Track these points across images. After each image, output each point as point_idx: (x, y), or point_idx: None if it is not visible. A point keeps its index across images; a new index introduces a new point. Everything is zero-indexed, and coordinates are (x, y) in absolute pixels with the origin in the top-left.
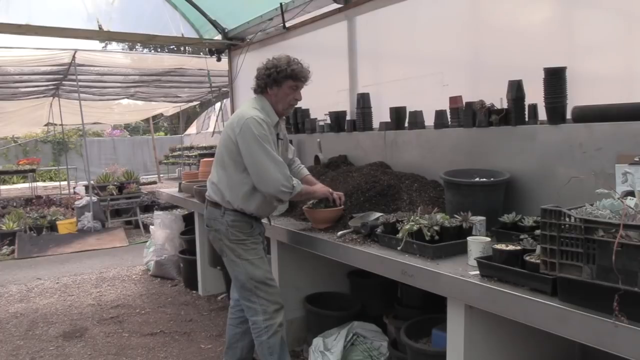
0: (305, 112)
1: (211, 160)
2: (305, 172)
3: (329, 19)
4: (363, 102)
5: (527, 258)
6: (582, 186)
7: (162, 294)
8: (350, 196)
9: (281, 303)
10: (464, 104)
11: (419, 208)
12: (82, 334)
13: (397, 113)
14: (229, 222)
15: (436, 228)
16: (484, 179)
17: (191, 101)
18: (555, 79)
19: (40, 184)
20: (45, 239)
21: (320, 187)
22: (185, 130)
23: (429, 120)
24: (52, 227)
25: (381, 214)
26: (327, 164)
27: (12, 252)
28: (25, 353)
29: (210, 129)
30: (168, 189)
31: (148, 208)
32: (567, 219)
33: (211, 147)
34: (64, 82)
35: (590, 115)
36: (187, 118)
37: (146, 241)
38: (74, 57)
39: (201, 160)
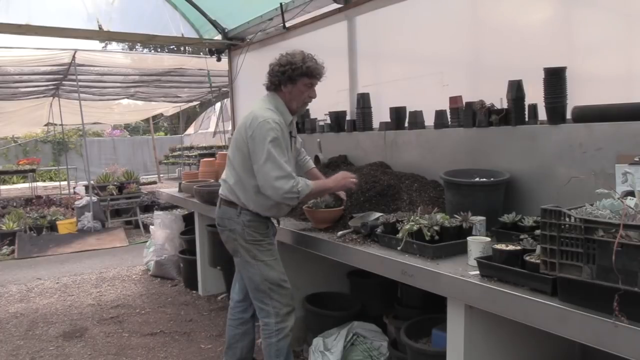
0: (305, 112)
1: (211, 160)
2: (311, 164)
3: (329, 19)
4: (363, 102)
5: (527, 258)
6: (582, 186)
7: (162, 294)
8: (350, 196)
9: (293, 305)
10: (464, 104)
11: (419, 208)
12: (82, 334)
13: (397, 113)
14: (246, 222)
15: (436, 228)
16: (484, 179)
17: (191, 101)
18: (555, 79)
19: (40, 184)
20: (45, 239)
21: (332, 182)
22: (185, 130)
23: (429, 120)
24: (52, 227)
25: (381, 214)
26: (327, 164)
27: (12, 252)
28: (25, 353)
29: (210, 129)
30: (168, 189)
31: (148, 208)
32: (567, 219)
33: (211, 147)
34: (64, 82)
35: (590, 115)
36: (187, 118)
37: (146, 241)
38: (74, 57)
39: (201, 160)
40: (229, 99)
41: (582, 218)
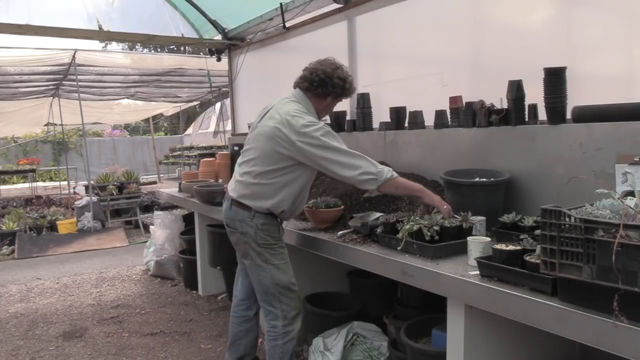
0: None
1: (211, 160)
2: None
3: (329, 19)
4: (363, 102)
5: (527, 258)
6: (582, 186)
7: (162, 294)
8: (350, 196)
9: (299, 308)
10: (464, 104)
11: (419, 208)
12: (82, 334)
13: (397, 113)
14: (259, 225)
15: (436, 228)
16: (484, 179)
17: (191, 101)
18: (555, 79)
19: (40, 184)
20: (45, 239)
21: (423, 190)
22: (185, 130)
23: (429, 120)
24: (52, 227)
25: (381, 214)
26: None
27: (12, 252)
28: (25, 353)
29: (210, 129)
30: (168, 189)
31: (148, 208)
32: (567, 219)
33: (211, 147)
34: (64, 82)
35: (590, 115)
36: (187, 118)
37: (146, 241)
38: (74, 57)
39: (201, 160)
40: (229, 99)
41: (582, 218)
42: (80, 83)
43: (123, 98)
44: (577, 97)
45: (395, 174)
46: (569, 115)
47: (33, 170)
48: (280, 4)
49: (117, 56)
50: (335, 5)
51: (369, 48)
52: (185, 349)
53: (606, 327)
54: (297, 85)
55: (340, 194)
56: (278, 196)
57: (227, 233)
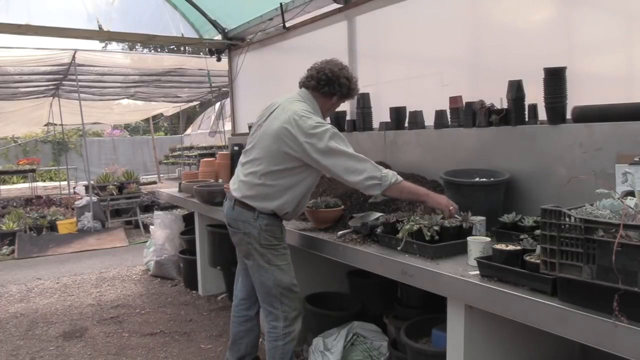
0: None
1: (211, 160)
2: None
3: (329, 19)
4: (363, 102)
5: (527, 258)
6: (582, 186)
7: (162, 294)
8: (350, 196)
9: (300, 308)
10: (464, 104)
11: (419, 208)
12: (82, 334)
13: (397, 113)
14: (263, 226)
15: (436, 228)
16: (484, 179)
17: (191, 101)
18: (555, 79)
19: (40, 184)
20: (45, 239)
21: (429, 193)
22: (185, 130)
23: (429, 120)
24: (52, 227)
25: (381, 214)
26: None
27: (12, 252)
28: (25, 353)
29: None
30: (168, 189)
31: (148, 208)
32: (567, 219)
33: (211, 147)
34: (64, 82)
35: (590, 115)
36: (187, 118)
37: (146, 241)
38: (74, 57)
39: (201, 160)
40: (228, 99)
41: (582, 218)
42: (80, 83)
43: (123, 98)
44: (577, 97)
45: (399, 178)
46: (569, 115)
47: (33, 170)
48: (280, 4)
49: (117, 56)
50: (335, 5)
51: (369, 48)
52: (185, 349)
53: (606, 327)
54: (303, 84)
55: (340, 194)
56: (283, 198)
57: (230, 233)
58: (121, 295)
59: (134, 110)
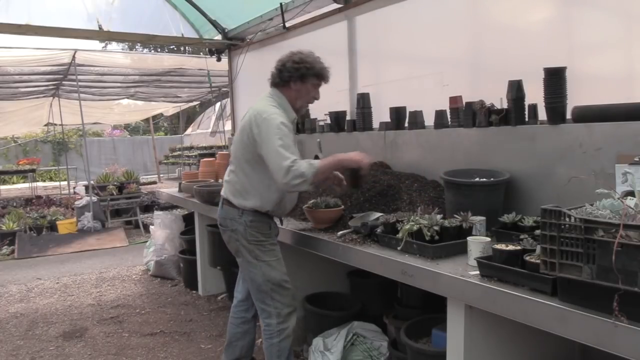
0: (305, 112)
1: (211, 160)
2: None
3: (329, 19)
4: (363, 102)
5: (527, 258)
6: (582, 186)
7: (162, 294)
8: (350, 196)
9: (294, 305)
10: (464, 104)
11: (419, 208)
12: (82, 334)
13: (397, 113)
14: (248, 222)
15: (436, 228)
16: (484, 179)
17: (191, 101)
18: (555, 79)
19: (40, 184)
20: (45, 239)
21: (341, 155)
22: (185, 130)
23: (429, 120)
24: (52, 227)
25: (381, 214)
26: None
27: (12, 252)
28: (25, 353)
29: (210, 129)
30: (168, 189)
31: (148, 208)
32: (567, 219)
33: (211, 147)
34: (64, 82)
35: (590, 115)
36: (187, 118)
37: (146, 241)
38: (74, 57)
39: (201, 160)
40: (228, 99)
41: (582, 218)
42: (80, 83)
43: (123, 98)
44: (577, 97)
45: (314, 166)
46: (569, 115)
47: (33, 170)
48: (280, 4)
49: (117, 56)
50: (335, 5)
51: (369, 48)
52: (185, 349)
53: (606, 327)
54: (269, 84)
55: (340, 194)
56: (258, 193)
57: (220, 232)
58: (121, 295)
59: (134, 110)
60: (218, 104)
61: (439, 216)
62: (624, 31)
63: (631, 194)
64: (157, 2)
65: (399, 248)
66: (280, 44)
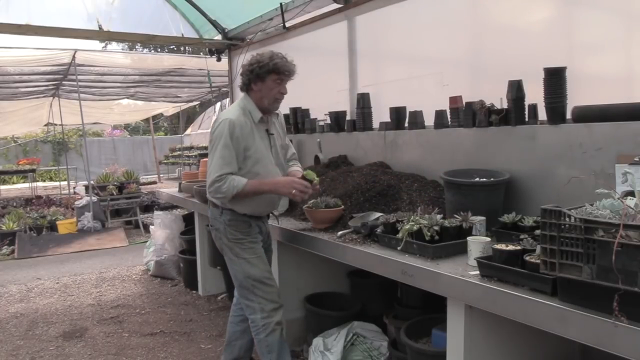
0: (305, 112)
1: None
2: (294, 168)
3: (329, 19)
4: (363, 102)
5: (527, 258)
6: (582, 186)
7: (162, 294)
8: (350, 196)
9: (279, 302)
10: (464, 104)
11: (419, 208)
12: (82, 334)
13: (397, 113)
14: (227, 221)
15: (436, 228)
16: (484, 179)
17: (191, 101)
18: (555, 79)
19: (40, 184)
20: (45, 239)
21: (270, 185)
22: (185, 130)
23: (429, 120)
24: (52, 227)
25: (381, 214)
26: (327, 164)
27: (12, 252)
28: (25, 353)
29: (208, 129)
30: (168, 189)
31: (148, 208)
32: (567, 219)
33: None
34: (64, 82)
35: (590, 115)
36: (187, 118)
37: (146, 241)
38: (74, 57)
39: (201, 160)
40: (228, 99)
41: (582, 218)
42: (80, 83)
43: (123, 98)
44: (577, 97)
45: (241, 184)
46: (569, 115)
47: (33, 170)
48: (280, 4)
49: (117, 56)
50: (335, 5)
51: (369, 48)
52: (185, 349)
53: (606, 327)
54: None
55: (340, 194)
56: (234, 199)
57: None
58: (121, 295)
59: (134, 110)
60: (218, 104)
61: (439, 216)
62: (624, 31)
63: (631, 194)
64: (157, 2)
65: (399, 248)
66: (280, 44)
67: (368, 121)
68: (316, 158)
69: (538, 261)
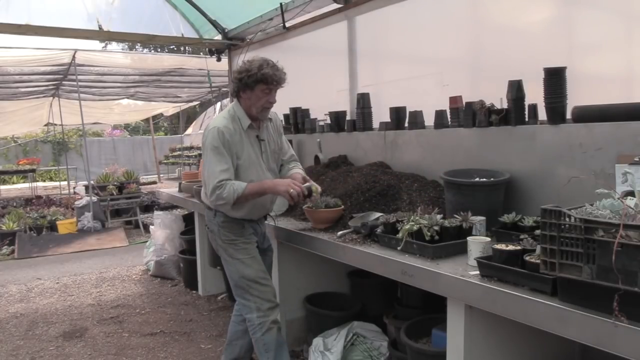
0: (305, 112)
1: None
2: (295, 171)
3: (329, 19)
4: (363, 102)
5: (527, 258)
6: (582, 186)
7: (162, 294)
8: (350, 196)
9: (275, 302)
10: (464, 104)
11: (419, 208)
12: (82, 334)
13: (397, 113)
14: (220, 223)
15: (436, 228)
16: (484, 179)
17: (191, 101)
18: (555, 79)
19: (40, 184)
20: (45, 239)
21: (269, 185)
22: (185, 130)
23: (429, 120)
24: (52, 227)
25: (381, 214)
26: (327, 164)
27: (12, 252)
28: (25, 353)
29: None
30: (168, 189)
31: (148, 208)
32: (567, 219)
33: None
34: (64, 82)
35: (590, 115)
36: (187, 118)
37: (146, 241)
38: (74, 57)
39: (201, 160)
40: (228, 99)
41: (582, 218)
42: (80, 83)
43: (123, 98)
44: (577, 97)
45: (241, 188)
46: (569, 115)
47: (33, 170)
48: (280, 4)
49: (117, 56)
50: (335, 5)
51: (369, 48)
52: (185, 349)
53: (606, 327)
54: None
55: (340, 194)
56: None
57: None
58: (121, 295)
59: (134, 110)
60: (218, 104)
61: (439, 216)
62: (624, 31)
63: (631, 194)
64: (157, 2)
65: (399, 248)
66: (280, 44)
67: (368, 121)
68: (316, 158)
69: (538, 261)
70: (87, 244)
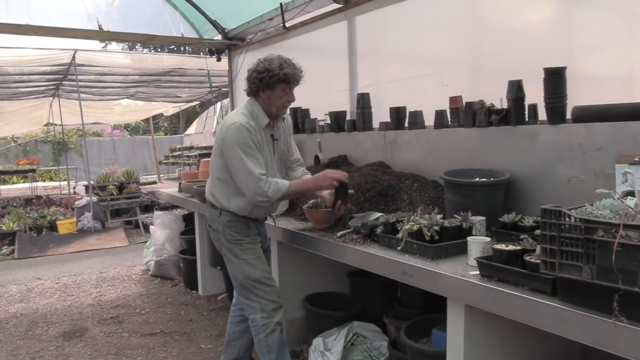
0: (305, 112)
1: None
2: (304, 173)
3: (329, 19)
4: (363, 102)
5: (527, 258)
6: (582, 186)
7: (162, 294)
8: (350, 196)
9: (279, 302)
10: (464, 104)
11: (419, 208)
12: (82, 334)
13: (397, 113)
14: (225, 222)
15: (436, 228)
16: (484, 179)
17: (191, 101)
18: (555, 79)
19: (40, 184)
20: (45, 239)
21: (311, 183)
22: (185, 130)
23: (429, 120)
24: (52, 227)
25: (381, 214)
26: (327, 164)
27: (12, 252)
28: (25, 353)
29: (213, 130)
30: (168, 189)
31: (148, 208)
32: (567, 219)
33: (211, 147)
34: (64, 82)
35: (590, 115)
36: (187, 118)
37: (146, 241)
38: (74, 57)
39: (201, 160)
40: (228, 99)
41: (582, 218)
42: (80, 83)
43: (123, 98)
44: (577, 97)
45: (285, 187)
46: (569, 115)
47: (33, 170)
48: (280, 4)
49: (117, 56)
50: (335, 5)
51: (369, 48)
52: (185, 349)
53: (606, 327)
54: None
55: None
56: (235, 202)
57: (209, 232)
58: (121, 295)
59: (134, 110)
60: (218, 104)
61: (439, 216)
62: (624, 31)
63: (631, 194)
64: (157, 2)
65: (399, 248)
66: (280, 44)
67: (368, 121)
68: (316, 158)
69: (538, 261)
70: (87, 244)
